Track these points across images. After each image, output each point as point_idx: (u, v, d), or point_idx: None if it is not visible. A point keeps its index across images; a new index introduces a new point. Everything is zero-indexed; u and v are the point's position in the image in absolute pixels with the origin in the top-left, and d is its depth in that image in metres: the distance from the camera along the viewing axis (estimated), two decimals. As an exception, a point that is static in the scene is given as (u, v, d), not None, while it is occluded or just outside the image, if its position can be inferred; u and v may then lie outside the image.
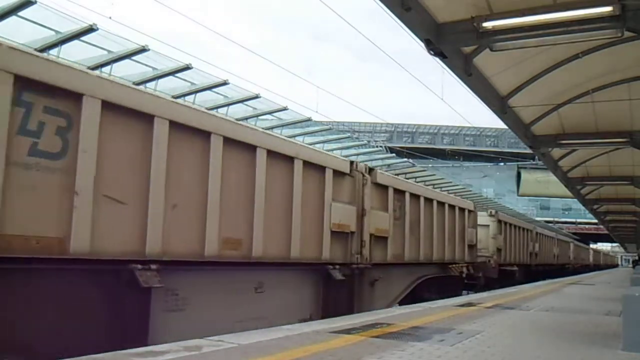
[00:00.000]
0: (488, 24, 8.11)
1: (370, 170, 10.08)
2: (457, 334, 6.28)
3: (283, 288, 7.71)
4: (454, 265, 13.95)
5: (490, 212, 19.79)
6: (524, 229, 24.24)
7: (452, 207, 14.16)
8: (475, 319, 7.78)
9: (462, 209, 15.02)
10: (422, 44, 8.72)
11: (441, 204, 13.39)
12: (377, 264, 9.96)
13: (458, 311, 8.84)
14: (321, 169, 8.40)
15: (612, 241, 74.02)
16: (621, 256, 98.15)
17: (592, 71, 11.35)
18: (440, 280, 13.37)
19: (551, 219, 60.51)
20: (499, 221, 20.00)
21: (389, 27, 10.49)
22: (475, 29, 8.18)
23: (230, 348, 4.89)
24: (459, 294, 14.04)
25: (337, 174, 8.87)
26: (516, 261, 22.00)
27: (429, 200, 12.60)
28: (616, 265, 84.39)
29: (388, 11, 7.88)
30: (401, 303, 11.24)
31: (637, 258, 66.02)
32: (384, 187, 10.50)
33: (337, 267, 8.66)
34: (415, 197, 11.82)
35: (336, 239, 8.76)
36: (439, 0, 8.27)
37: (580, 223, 66.64)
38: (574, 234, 55.66)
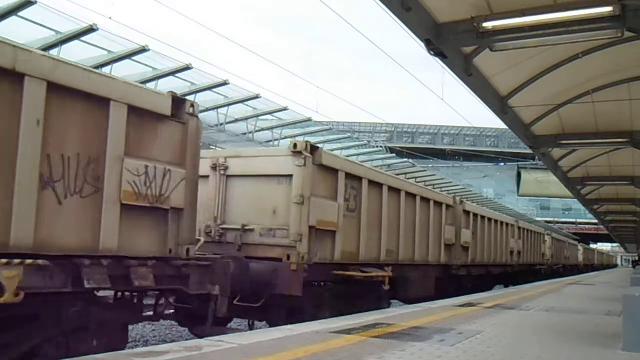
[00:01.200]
0: (488, 24, 8.10)
1: None
2: (457, 334, 6.28)
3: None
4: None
5: (294, 144, 7.98)
6: (427, 199, 12.39)
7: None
8: (475, 319, 7.78)
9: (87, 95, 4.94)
10: (422, 44, 8.71)
11: None
12: None
13: (458, 311, 8.84)
14: None
15: (612, 241, 73.98)
16: (621, 256, 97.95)
17: (592, 71, 11.34)
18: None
19: (551, 219, 60.47)
20: (323, 167, 8.33)
21: (389, 27, 10.47)
22: (475, 29, 8.17)
23: (230, 348, 4.89)
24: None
25: None
26: (395, 259, 10.60)
27: None
28: (614, 266, 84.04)
29: (388, 11, 7.87)
30: None
31: (637, 258, 65.99)
32: None
33: None
34: None
35: None
36: (439, 0, 8.27)
37: (580, 223, 66.57)
38: (574, 234, 55.66)
